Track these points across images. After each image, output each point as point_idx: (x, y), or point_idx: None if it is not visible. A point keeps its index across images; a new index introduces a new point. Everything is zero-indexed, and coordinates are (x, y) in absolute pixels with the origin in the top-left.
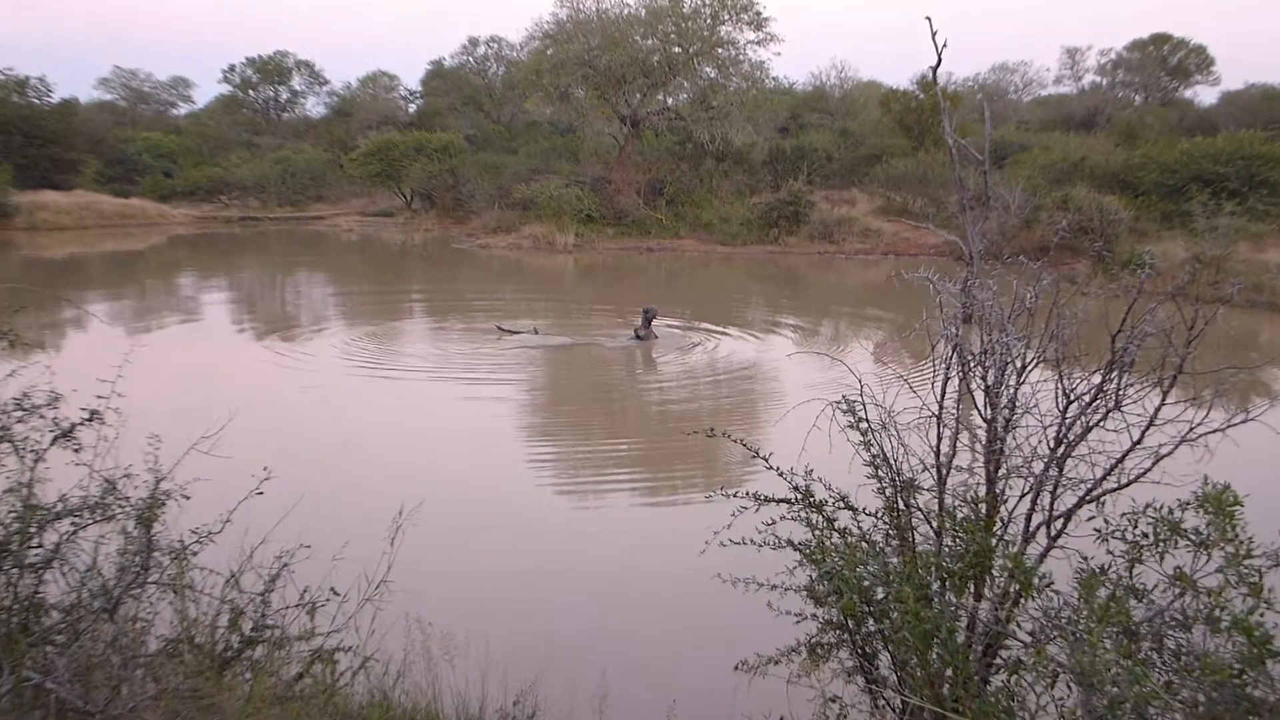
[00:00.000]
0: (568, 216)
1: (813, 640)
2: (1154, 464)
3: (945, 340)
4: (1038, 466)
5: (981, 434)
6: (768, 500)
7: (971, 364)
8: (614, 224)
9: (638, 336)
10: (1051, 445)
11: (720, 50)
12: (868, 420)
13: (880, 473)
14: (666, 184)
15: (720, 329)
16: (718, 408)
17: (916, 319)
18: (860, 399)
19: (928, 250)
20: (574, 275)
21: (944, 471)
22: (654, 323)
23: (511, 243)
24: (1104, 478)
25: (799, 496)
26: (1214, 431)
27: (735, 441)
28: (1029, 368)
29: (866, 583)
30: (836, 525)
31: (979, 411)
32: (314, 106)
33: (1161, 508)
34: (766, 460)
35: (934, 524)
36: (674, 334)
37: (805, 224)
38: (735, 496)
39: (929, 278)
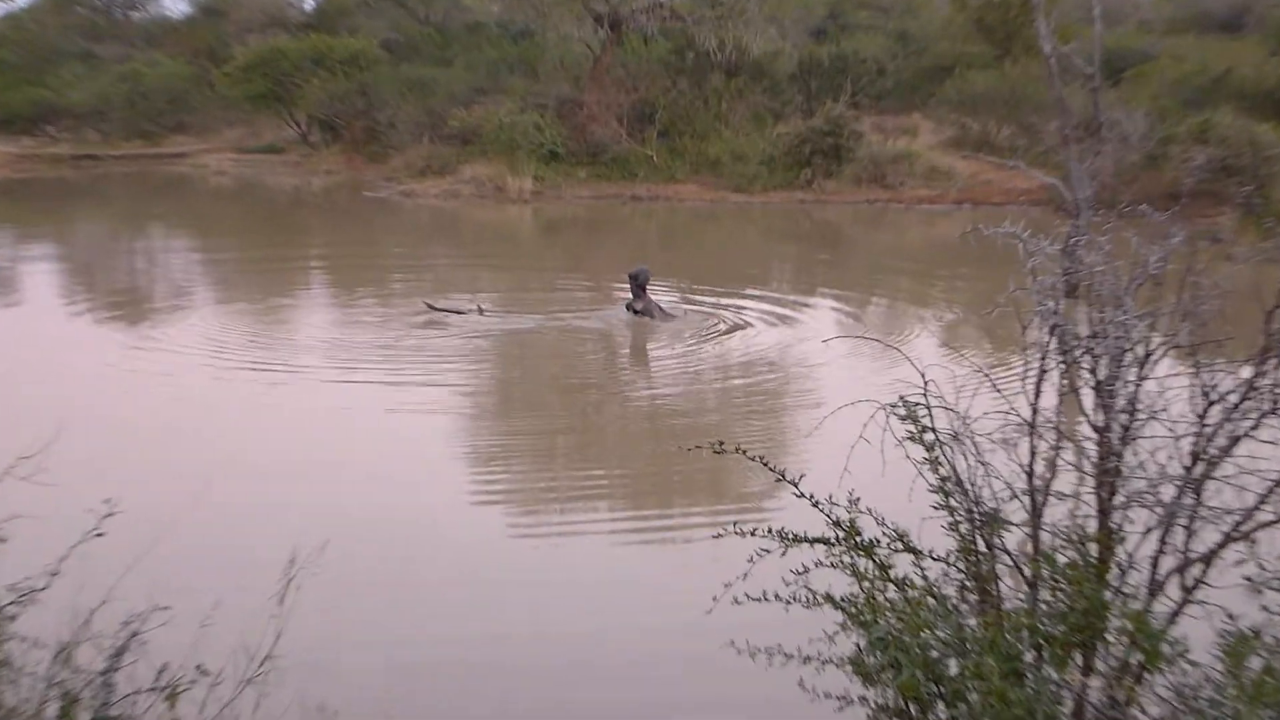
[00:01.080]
0: (524, 153)
1: None
2: None
3: (1040, 321)
4: (1168, 492)
5: (1091, 449)
6: (798, 540)
7: (1077, 353)
8: (587, 163)
9: (633, 311)
10: (1187, 463)
11: None
12: (934, 431)
13: (952, 502)
14: (659, 108)
15: (729, 307)
16: (729, 414)
17: (1001, 291)
18: (924, 401)
19: (1016, 197)
20: (533, 234)
21: (1040, 500)
22: (650, 292)
23: (447, 189)
24: (1258, 506)
25: (841, 535)
26: None
27: (753, 460)
28: (1155, 357)
29: (934, 653)
30: (892, 574)
31: (1087, 418)
32: (174, 2)
33: None
34: (796, 485)
35: (1026, 572)
36: (680, 309)
37: (849, 162)
38: (754, 535)
39: (1018, 234)
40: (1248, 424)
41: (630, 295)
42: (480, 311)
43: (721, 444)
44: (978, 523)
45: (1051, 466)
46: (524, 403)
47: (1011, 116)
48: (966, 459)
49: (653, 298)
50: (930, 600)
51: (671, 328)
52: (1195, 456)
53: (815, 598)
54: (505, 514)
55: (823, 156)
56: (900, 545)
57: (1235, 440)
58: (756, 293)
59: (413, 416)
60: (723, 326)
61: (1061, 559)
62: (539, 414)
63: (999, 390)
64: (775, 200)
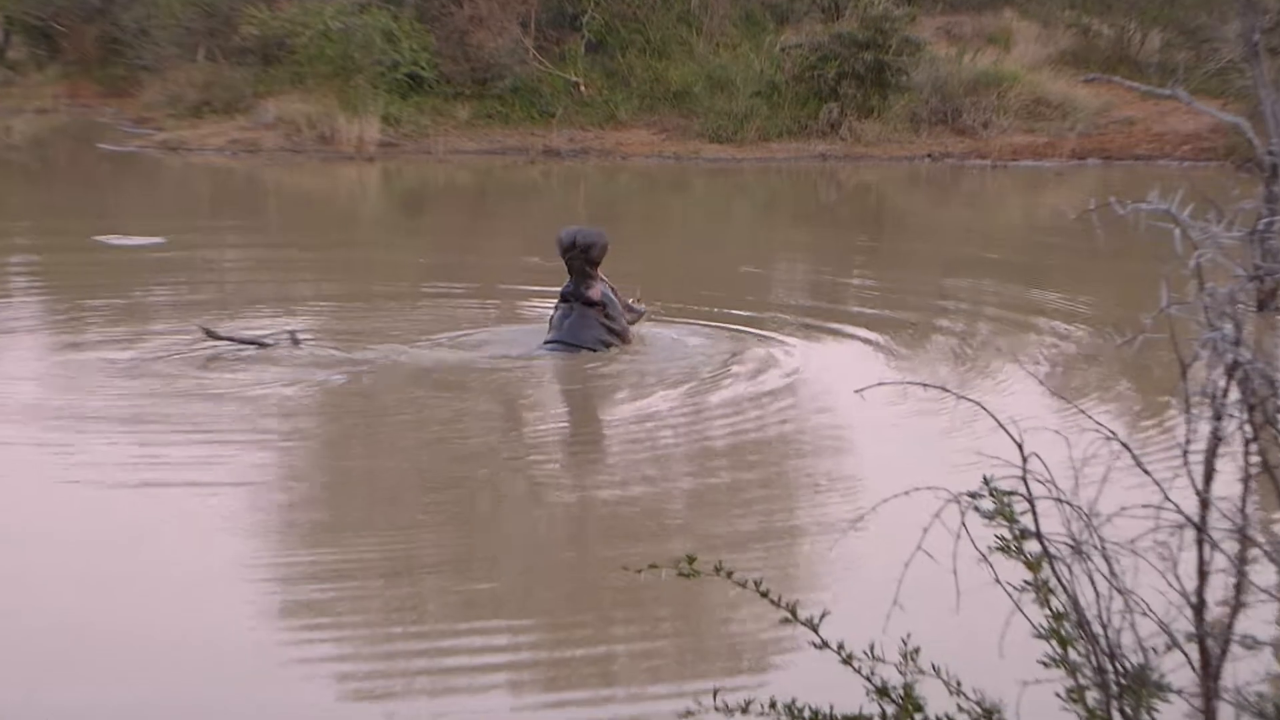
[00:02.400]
0: (366, 79)
1: None
2: None
3: (1212, 355)
4: None
5: None
6: None
7: (1270, 406)
8: (471, 96)
9: (572, 309)
10: None
11: None
12: (1041, 538)
13: (1073, 654)
14: (588, 5)
15: (701, 325)
16: (708, 509)
17: (1147, 306)
18: (1023, 489)
19: (1174, 147)
20: (382, 212)
21: (1216, 649)
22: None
23: (238, 139)
24: None
25: (891, 711)
26: None
27: (746, 586)
28: None
29: None
30: None
31: None
32: None
33: None
34: (815, 628)
35: None
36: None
37: (900, 92)
38: (746, 713)
39: (1172, 210)
40: None
41: (569, 285)
42: (294, 342)
43: (693, 561)
44: (1115, 689)
45: (1237, 593)
46: (366, 502)
47: (1165, 16)
48: (1094, 583)
49: (610, 286)
50: None
51: (669, 350)
52: None
53: None
54: (340, 683)
55: (857, 83)
56: None
57: None
58: (749, 310)
59: (172, 526)
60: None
61: None
62: (391, 522)
63: (1145, 470)
64: (780, 156)
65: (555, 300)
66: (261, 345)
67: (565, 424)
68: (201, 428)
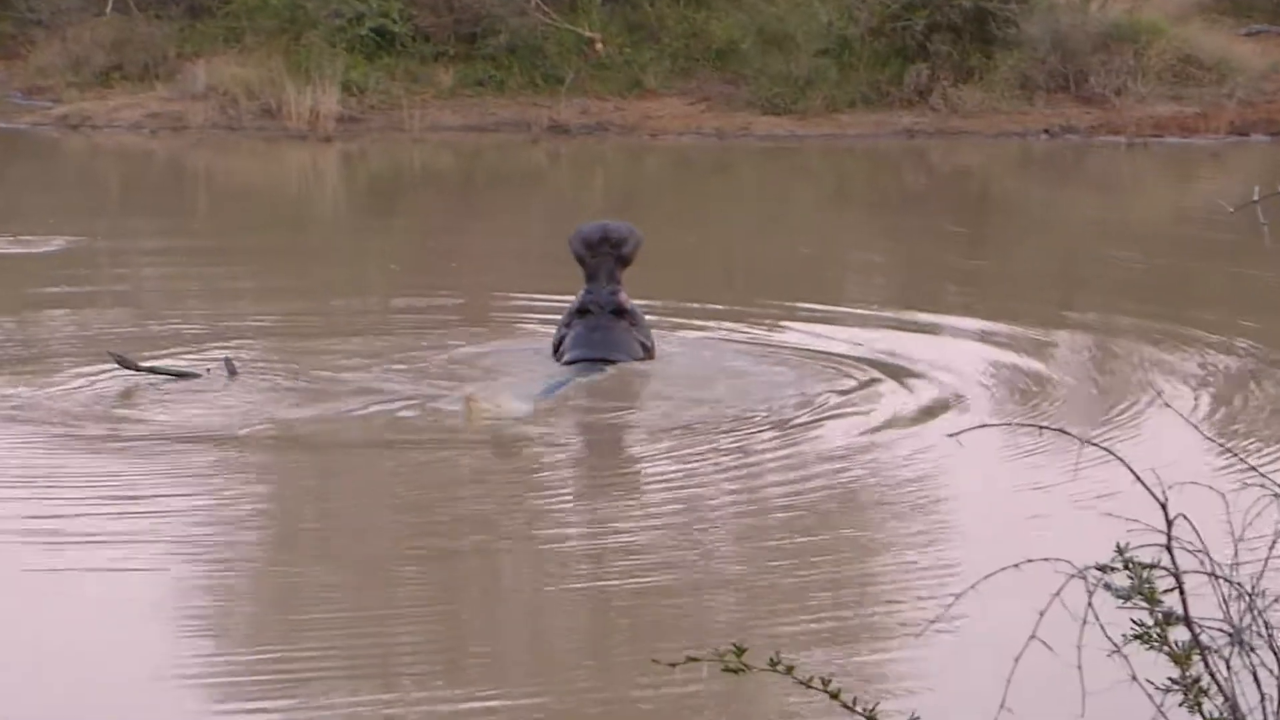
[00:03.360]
0: (320, 36)
1: None
2: None
3: None
4: None
5: None
6: None
7: None
8: (456, 57)
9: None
10: None
11: None
12: (1191, 623)
13: None
14: None
15: (758, 349)
16: (760, 587)
17: None
18: (1165, 555)
19: None
20: (342, 207)
21: None
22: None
23: (158, 113)
24: None
25: None
26: None
27: (811, 686)
28: None
29: None
30: None
31: None
32: None
33: None
34: None
35: None
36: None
37: (1008, 49)
38: None
39: None
40: None
41: (588, 294)
42: (230, 372)
43: (742, 653)
44: None
45: None
46: (325, 585)
47: None
48: (1259, 682)
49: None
50: None
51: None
52: None
53: None
54: None
55: (953, 38)
56: None
57: None
58: (814, 333)
59: (79, 620)
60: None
61: None
62: (358, 611)
63: None
64: (852, 131)
65: (561, 319)
66: (187, 376)
67: (583, 483)
68: (112, 488)
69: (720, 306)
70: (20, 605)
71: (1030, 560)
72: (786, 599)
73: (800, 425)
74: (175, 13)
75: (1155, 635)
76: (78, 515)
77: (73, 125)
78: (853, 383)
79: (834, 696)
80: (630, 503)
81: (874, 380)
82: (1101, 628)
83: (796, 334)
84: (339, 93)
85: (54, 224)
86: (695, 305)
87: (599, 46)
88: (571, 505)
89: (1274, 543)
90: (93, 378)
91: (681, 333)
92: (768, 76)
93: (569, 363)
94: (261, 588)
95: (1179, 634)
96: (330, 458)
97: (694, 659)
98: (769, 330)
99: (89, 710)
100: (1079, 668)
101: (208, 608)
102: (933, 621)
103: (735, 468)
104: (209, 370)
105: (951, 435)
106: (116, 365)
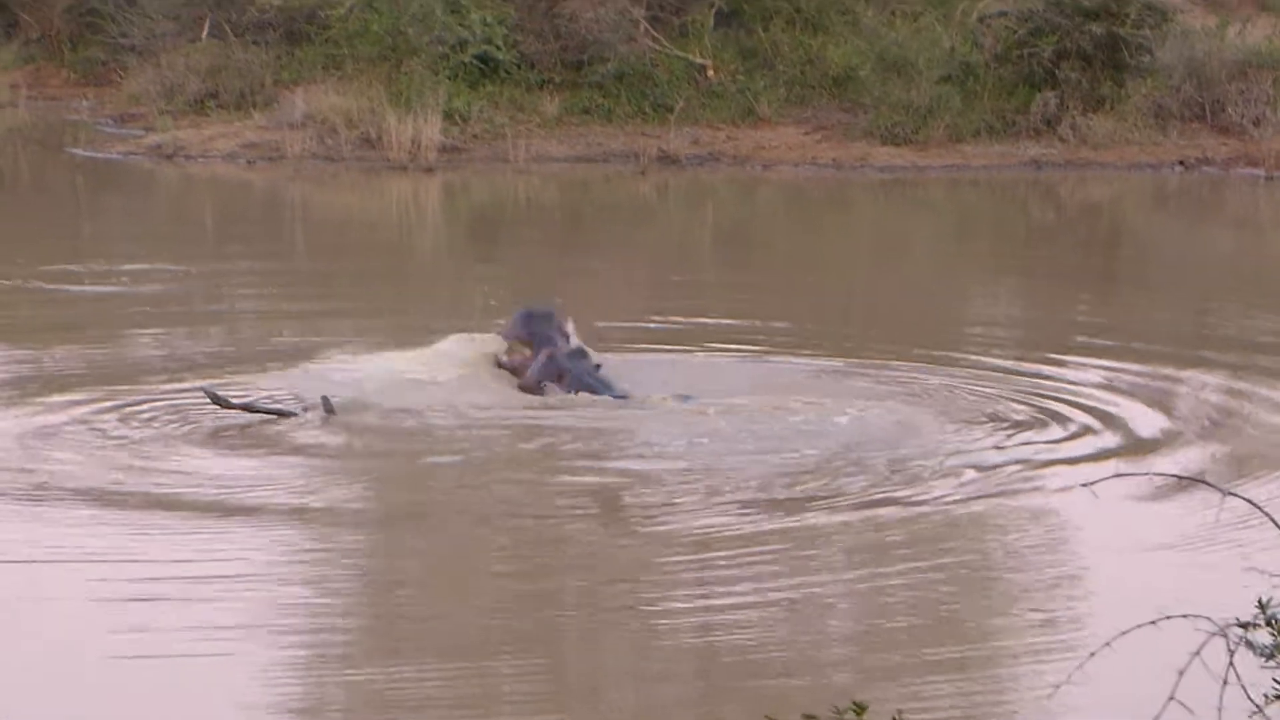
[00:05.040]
0: (422, 64)
1: None
2: None
3: None
4: None
5: None
6: None
7: None
8: (562, 85)
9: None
10: None
11: None
12: None
13: None
14: None
15: (883, 388)
16: (875, 644)
17: None
18: None
19: None
20: (443, 240)
21: None
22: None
23: (254, 143)
24: None
25: None
26: None
27: None
28: None
29: None
30: None
31: None
32: None
33: None
34: None
35: None
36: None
37: (1140, 76)
38: None
39: None
40: None
41: (550, 359)
42: (328, 410)
43: (862, 710)
44: None
45: None
46: (431, 625)
47: None
48: None
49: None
50: None
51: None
52: None
53: None
54: None
55: (1083, 65)
56: None
57: None
58: (939, 373)
59: (167, 683)
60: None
61: None
62: (463, 652)
63: None
64: (976, 162)
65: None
66: (284, 415)
67: (699, 522)
68: (202, 536)
69: (841, 345)
70: (115, 676)
71: (1168, 617)
72: (905, 639)
73: (926, 472)
74: (273, 39)
75: None
76: (163, 568)
77: (166, 155)
78: (979, 429)
79: None
80: (756, 541)
81: (1002, 426)
82: (1243, 688)
83: (915, 376)
84: (441, 122)
85: (146, 256)
86: (811, 346)
87: (711, 74)
88: (684, 544)
89: None
90: (182, 414)
91: (797, 372)
92: (887, 105)
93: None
94: (365, 630)
95: None
96: (435, 495)
97: (811, 717)
98: (888, 371)
99: None
100: None
101: (306, 663)
102: (1060, 685)
103: (857, 519)
104: (305, 408)
105: (1086, 485)
106: (210, 402)
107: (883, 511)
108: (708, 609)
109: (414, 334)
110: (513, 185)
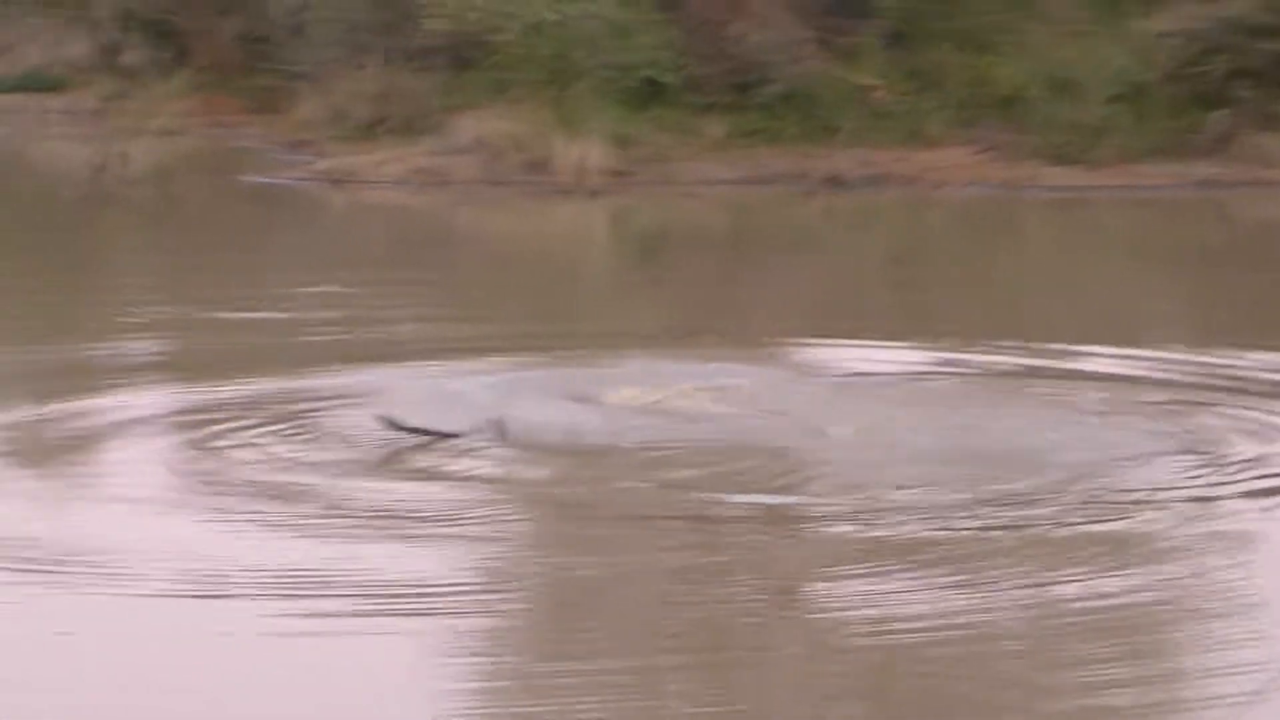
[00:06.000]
0: (589, 87)
1: None
2: None
3: None
4: None
5: None
6: None
7: None
8: (728, 107)
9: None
10: None
11: None
12: None
13: None
14: None
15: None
16: (1047, 672)
17: None
18: None
19: None
20: (609, 264)
21: None
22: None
23: (422, 168)
24: None
25: None
26: None
27: None
28: None
29: None
30: None
31: None
32: None
33: None
34: None
35: None
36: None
37: None
38: None
39: None
40: None
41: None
42: (501, 433)
43: None
44: None
45: None
46: (599, 641)
47: None
48: None
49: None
50: None
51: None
52: None
53: None
54: None
55: (1254, 83)
56: None
57: None
58: (1116, 386)
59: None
60: None
61: None
62: (621, 662)
63: None
64: (1148, 182)
65: None
66: (456, 436)
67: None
68: (379, 556)
69: (1021, 363)
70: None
71: None
72: (1079, 675)
73: (1116, 494)
74: (439, 65)
75: None
76: (325, 598)
77: (335, 180)
78: (1165, 449)
79: None
80: (930, 557)
81: (1190, 448)
82: None
83: (1101, 396)
84: (606, 145)
85: (318, 280)
86: (991, 365)
87: (879, 94)
88: (855, 557)
89: None
90: (355, 439)
91: (983, 393)
92: (1056, 125)
93: None
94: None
95: None
96: (615, 525)
97: None
98: (1072, 393)
99: None
100: None
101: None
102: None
103: (1042, 536)
104: (477, 429)
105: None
106: (383, 426)
107: (1071, 528)
108: (880, 618)
109: (584, 356)
110: (679, 208)
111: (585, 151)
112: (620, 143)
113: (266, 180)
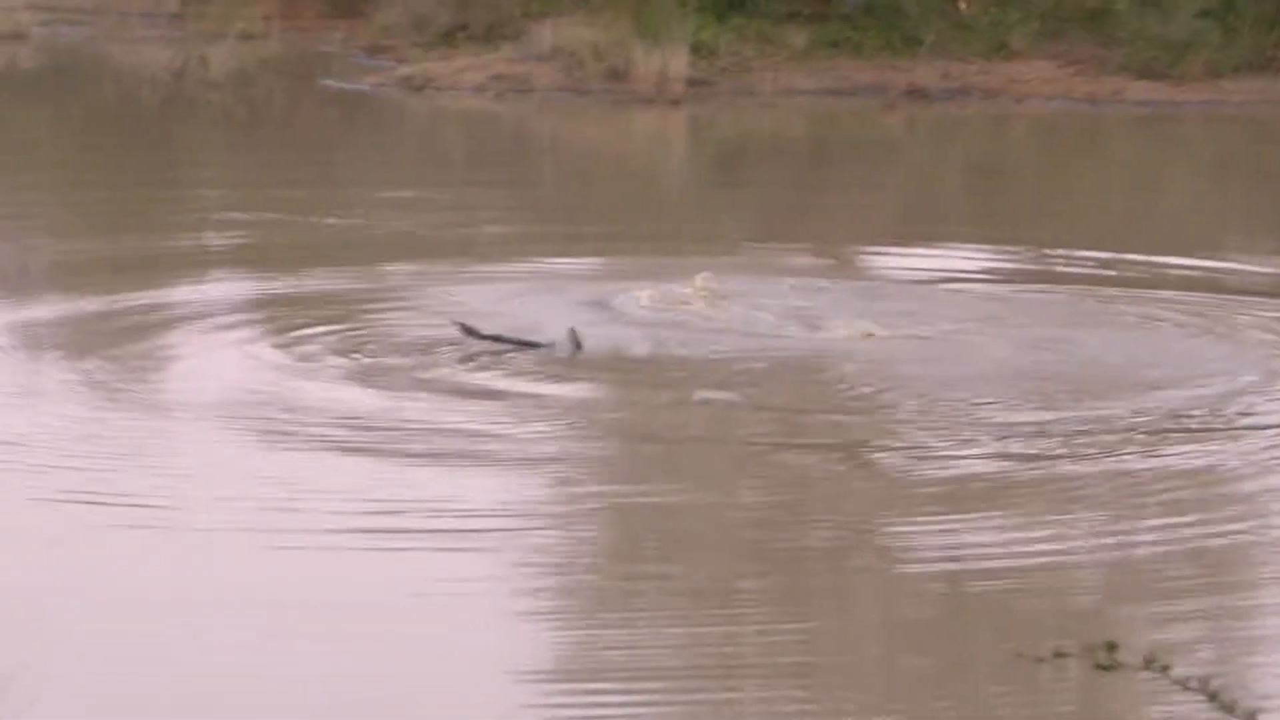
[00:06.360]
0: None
1: None
2: None
3: None
4: None
5: None
6: None
7: None
8: (810, 17)
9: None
10: None
11: None
12: None
13: None
14: None
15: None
16: (1129, 588)
17: None
18: None
19: None
20: (693, 175)
21: None
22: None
23: (502, 75)
24: None
25: None
26: None
27: (1189, 689)
28: None
29: None
30: None
31: None
32: None
33: None
34: None
35: None
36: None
37: None
38: None
39: None
40: None
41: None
42: (576, 345)
43: (1114, 649)
44: None
45: None
46: (669, 571)
47: None
48: None
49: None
50: None
51: None
52: None
53: None
54: None
55: None
56: None
57: None
58: (1202, 315)
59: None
60: None
61: None
62: (701, 600)
63: None
64: (1235, 99)
65: None
66: (533, 346)
67: (949, 467)
68: (446, 480)
69: (1103, 273)
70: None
71: None
72: (1159, 591)
73: (1198, 418)
74: None
75: None
76: (408, 496)
77: (416, 87)
78: (1249, 367)
79: (1212, 698)
80: (1011, 490)
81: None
82: None
83: (1184, 312)
84: (688, 54)
85: (397, 186)
86: (1072, 276)
87: (963, 6)
88: (934, 491)
89: None
90: (433, 345)
91: (1063, 305)
92: (1143, 39)
93: None
94: (606, 583)
95: None
96: (686, 429)
97: (1063, 654)
98: (1153, 307)
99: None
100: None
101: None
102: None
103: (1133, 466)
104: (553, 340)
105: None
106: (461, 333)
107: (1148, 461)
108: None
109: (662, 267)
110: (759, 119)
111: (666, 60)
112: (701, 52)
113: (347, 85)
